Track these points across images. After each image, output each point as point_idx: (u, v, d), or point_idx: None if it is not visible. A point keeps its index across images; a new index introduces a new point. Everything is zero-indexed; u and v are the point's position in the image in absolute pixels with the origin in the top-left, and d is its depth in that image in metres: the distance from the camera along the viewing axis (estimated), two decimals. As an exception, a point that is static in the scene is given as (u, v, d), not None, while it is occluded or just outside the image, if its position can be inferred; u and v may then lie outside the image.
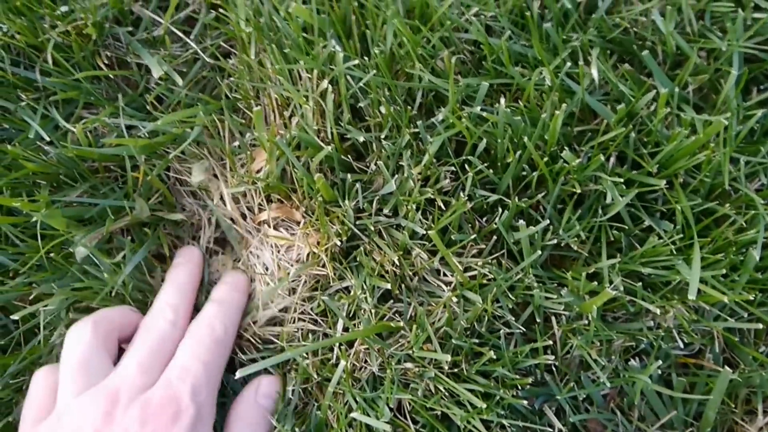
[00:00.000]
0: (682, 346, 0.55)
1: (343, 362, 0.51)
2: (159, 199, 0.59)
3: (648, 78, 0.58)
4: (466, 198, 0.53)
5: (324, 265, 0.56)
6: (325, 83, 0.55)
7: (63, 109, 0.59)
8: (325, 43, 0.56)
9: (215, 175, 0.60)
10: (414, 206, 0.53)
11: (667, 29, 0.56)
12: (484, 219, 0.56)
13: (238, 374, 0.48)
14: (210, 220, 0.60)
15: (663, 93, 0.50)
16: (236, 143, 0.58)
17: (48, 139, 0.57)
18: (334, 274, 0.56)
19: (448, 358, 0.51)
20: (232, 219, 0.59)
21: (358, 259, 0.56)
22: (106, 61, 0.60)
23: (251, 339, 0.56)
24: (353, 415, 0.51)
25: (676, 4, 0.58)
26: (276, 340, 0.56)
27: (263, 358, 0.55)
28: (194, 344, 0.51)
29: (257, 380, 0.55)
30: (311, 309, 0.56)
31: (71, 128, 0.57)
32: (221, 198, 0.59)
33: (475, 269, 0.54)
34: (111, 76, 0.59)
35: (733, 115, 0.53)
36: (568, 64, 0.54)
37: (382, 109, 0.54)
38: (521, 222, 0.52)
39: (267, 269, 0.57)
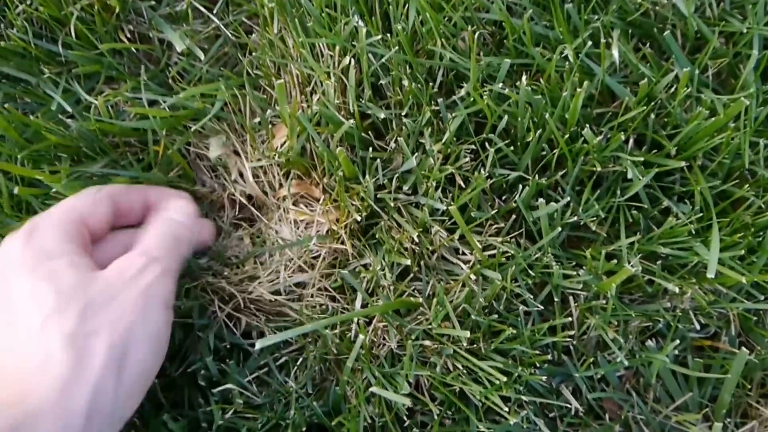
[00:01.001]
0: (698, 328, 0.55)
1: (361, 337, 0.52)
2: (179, 173, 0.59)
3: (667, 62, 0.58)
4: (486, 175, 0.53)
5: (343, 242, 0.56)
6: (347, 59, 0.55)
7: (84, 83, 0.59)
8: (348, 19, 0.56)
9: (236, 152, 0.60)
10: (434, 183, 0.54)
11: (688, 11, 0.56)
12: (503, 198, 0.56)
13: (258, 345, 0.49)
14: (231, 197, 0.60)
15: (684, 71, 0.51)
16: (257, 119, 0.59)
17: (70, 111, 0.57)
18: (353, 250, 0.56)
19: (467, 334, 0.51)
20: (250, 195, 0.60)
21: (377, 236, 0.56)
22: (129, 36, 0.60)
23: (268, 311, 0.56)
24: (372, 389, 0.51)
25: (698, -12, 0.58)
26: (293, 314, 0.56)
27: (278, 329, 0.55)
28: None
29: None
30: (330, 285, 0.56)
31: (93, 101, 0.57)
32: (240, 174, 0.60)
33: (495, 247, 0.54)
34: (133, 50, 0.59)
35: (753, 97, 0.53)
36: (589, 43, 0.54)
37: (404, 83, 0.54)
38: (541, 200, 0.52)
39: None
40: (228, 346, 0.56)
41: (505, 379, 0.49)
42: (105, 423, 0.41)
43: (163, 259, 0.49)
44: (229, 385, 0.52)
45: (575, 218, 0.54)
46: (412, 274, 0.56)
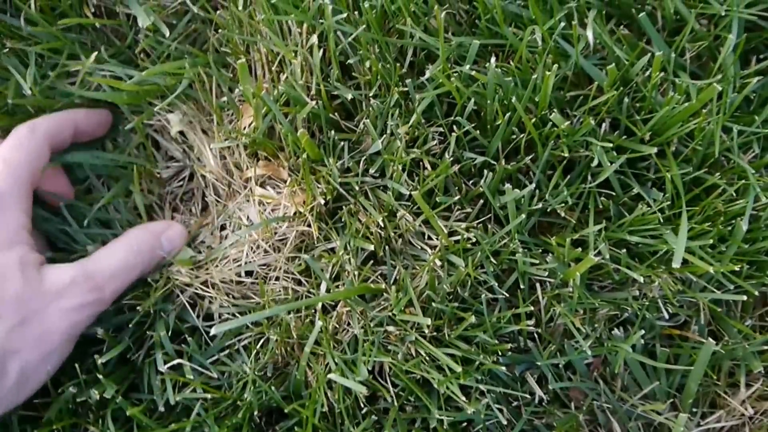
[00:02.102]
0: (667, 317, 0.54)
1: (319, 322, 0.51)
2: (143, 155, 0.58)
3: (647, 45, 0.56)
4: (452, 159, 0.52)
5: (309, 225, 0.55)
6: (314, 38, 0.54)
7: (48, 60, 0.58)
8: (315, -5, 0.55)
9: (204, 131, 0.59)
10: (400, 167, 0.53)
11: (667, -8, 0.54)
12: (472, 182, 0.55)
13: (214, 330, 0.48)
14: (194, 178, 0.60)
15: (657, 55, 0.49)
16: (225, 98, 0.57)
17: (28, 88, 0.56)
18: (320, 234, 0.55)
19: (429, 321, 0.50)
20: (215, 179, 0.59)
21: (343, 219, 0.55)
22: (94, 11, 0.59)
23: (227, 294, 0.55)
24: (330, 376, 0.50)
25: (678, -33, 0.57)
26: (255, 296, 0.55)
27: (241, 313, 0.54)
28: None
29: (169, 223, 0.57)
30: (294, 269, 0.56)
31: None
32: (202, 155, 0.59)
33: (461, 233, 0.53)
34: (98, 26, 0.58)
35: (729, 82, 0.52)
36: (563, 24, 0.52)
37: (368, 64, 0.52)
38: (508, 186, 0.51)
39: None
40: (190, 329, 0.55)
41: (460, 369, 0.48)
42: None
43: (108, 293, 0.51)
44: (178, 360, 0.52)
45: (542, 204, 0.52)
46: (377, 259, 0.55)
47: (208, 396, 0.53)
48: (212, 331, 0.48)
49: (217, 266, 0.55)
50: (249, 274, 0.56)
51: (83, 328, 0.50)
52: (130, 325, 0.53)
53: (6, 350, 0.45)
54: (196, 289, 0.55)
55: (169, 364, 0.53)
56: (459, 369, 0.48)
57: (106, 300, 0.51)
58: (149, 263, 0.54)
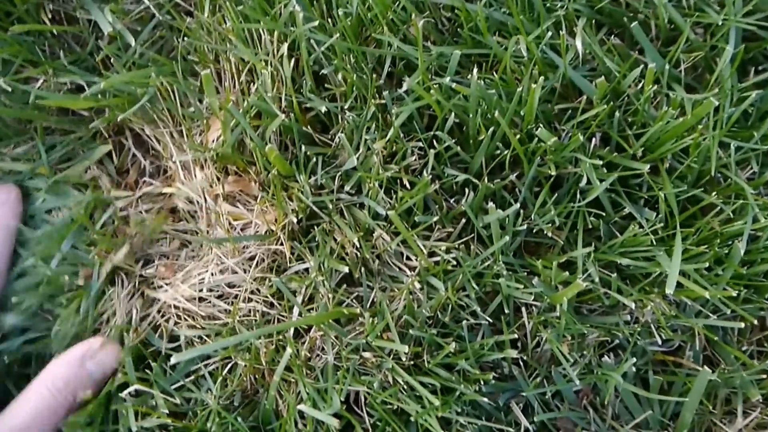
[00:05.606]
0: (660, 342, 0.51)
1: (289, 350, 0.47)
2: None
3: (639, 56, 0.53)
4: (430, 177, 0.49)
5: (282, 244, 0.52)
6: (285, 47, 0.50)
7: (4, 67, 0.55)
8: (287, 1, 0.51)
9: (174, 143, 0.56)
10: (377, 184, 0.49)
11: (660, 0, 0.51)
12: (453, 200, 0.52)
13: (174, 359, 0.44)
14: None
15: (650, 68, 0.46)
16: (192, 109, 0.54)
17: None
18: (292, 254, 0.52)
19: (406, 349, 0.47)
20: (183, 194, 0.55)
21: (317, 238, 0.52)
22: (52, 16, 0.55)
23: (193, 313, 0.52)
24: (301, 407, 0.47)
25: (672, -27, 0.54)
26: (221, 316, 0.52)
27: (207, 335, 0.51)
28: None
29: (94, 341, 0.50)
30: (265, 290, 0.52)
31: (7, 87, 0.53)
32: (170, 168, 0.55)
33: (441, 254, 0.50)
34: (55, 32, 0.54)
35: (726, 96, 0.49)
36: (550, 33, 0.49)
37: (342, 75, 0.49)
38: (491, 205, 0.48)
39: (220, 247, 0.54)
40: (159, 352, 0.52)
41: (438, 403, 0.45)
42: None
43: None
44: (137, 387, 0.49)
45: (527, 225, 0.49)
46: (353, 280, 0.52)
47: (171, 425, 0.49)
48: (172, 360, 0.45)
49: (180, 284, 0.52)
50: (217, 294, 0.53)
51: None
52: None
53: None
54: (158, 310, 0.52)
55: (129, 389, 0.49)
56: (437, 402, 0.45)
57: None
58: (75, 396, 0.49)
